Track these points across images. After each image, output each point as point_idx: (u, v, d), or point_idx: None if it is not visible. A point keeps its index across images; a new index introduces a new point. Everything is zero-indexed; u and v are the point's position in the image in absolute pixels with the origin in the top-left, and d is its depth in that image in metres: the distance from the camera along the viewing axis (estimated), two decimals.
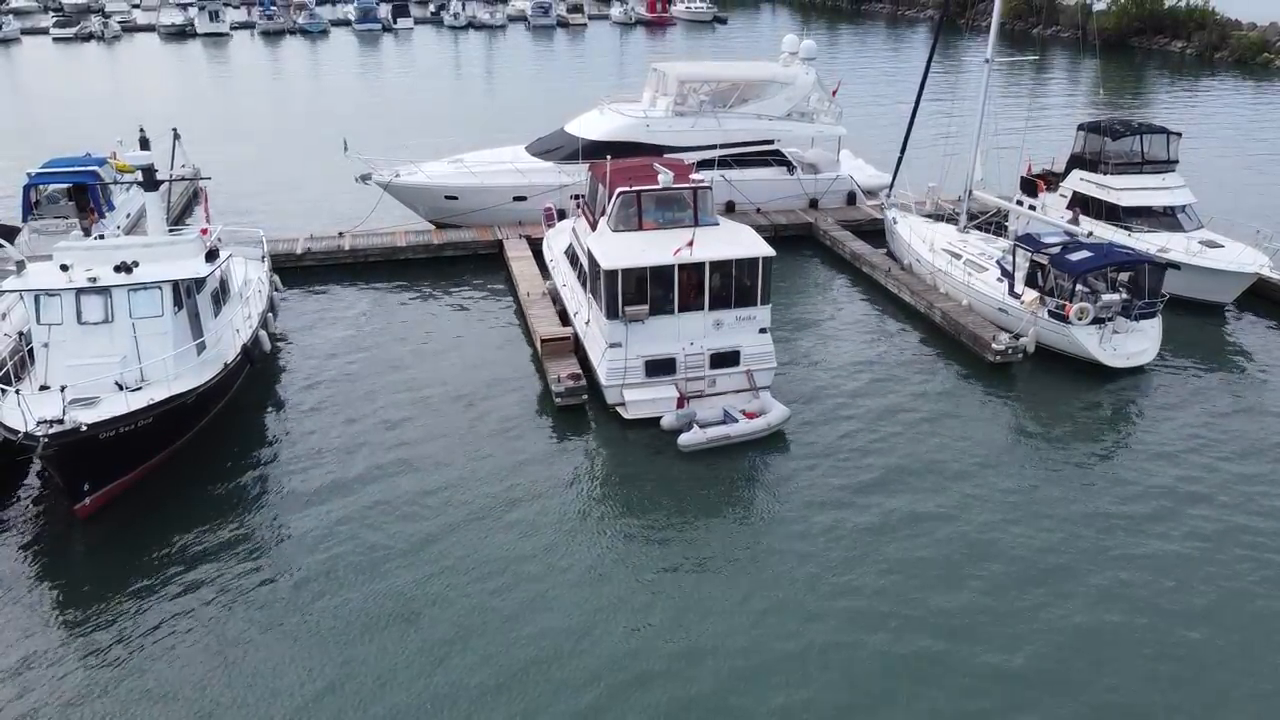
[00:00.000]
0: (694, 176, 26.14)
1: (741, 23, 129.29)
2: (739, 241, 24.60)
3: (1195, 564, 19.02)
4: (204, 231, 25.37)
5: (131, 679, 15.92)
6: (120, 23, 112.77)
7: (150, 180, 25.02)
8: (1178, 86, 76.45)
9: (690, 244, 23.50)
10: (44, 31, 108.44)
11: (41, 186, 33.95)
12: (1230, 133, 58.49)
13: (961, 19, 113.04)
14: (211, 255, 23.42)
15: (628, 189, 25.06)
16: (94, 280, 21.31)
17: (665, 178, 25.17)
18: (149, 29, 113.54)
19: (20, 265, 23.02)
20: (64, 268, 21.56)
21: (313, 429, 23.61)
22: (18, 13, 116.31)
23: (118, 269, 21.58)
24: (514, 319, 30.40)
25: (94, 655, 16.41)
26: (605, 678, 16.02)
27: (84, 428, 18.80)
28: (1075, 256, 27.31)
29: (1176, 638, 17.12)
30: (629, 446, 23.16)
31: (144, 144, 25.24)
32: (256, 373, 25.70)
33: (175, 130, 29.02)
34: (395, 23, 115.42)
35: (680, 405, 23.80)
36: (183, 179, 27.17)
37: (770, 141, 39.43)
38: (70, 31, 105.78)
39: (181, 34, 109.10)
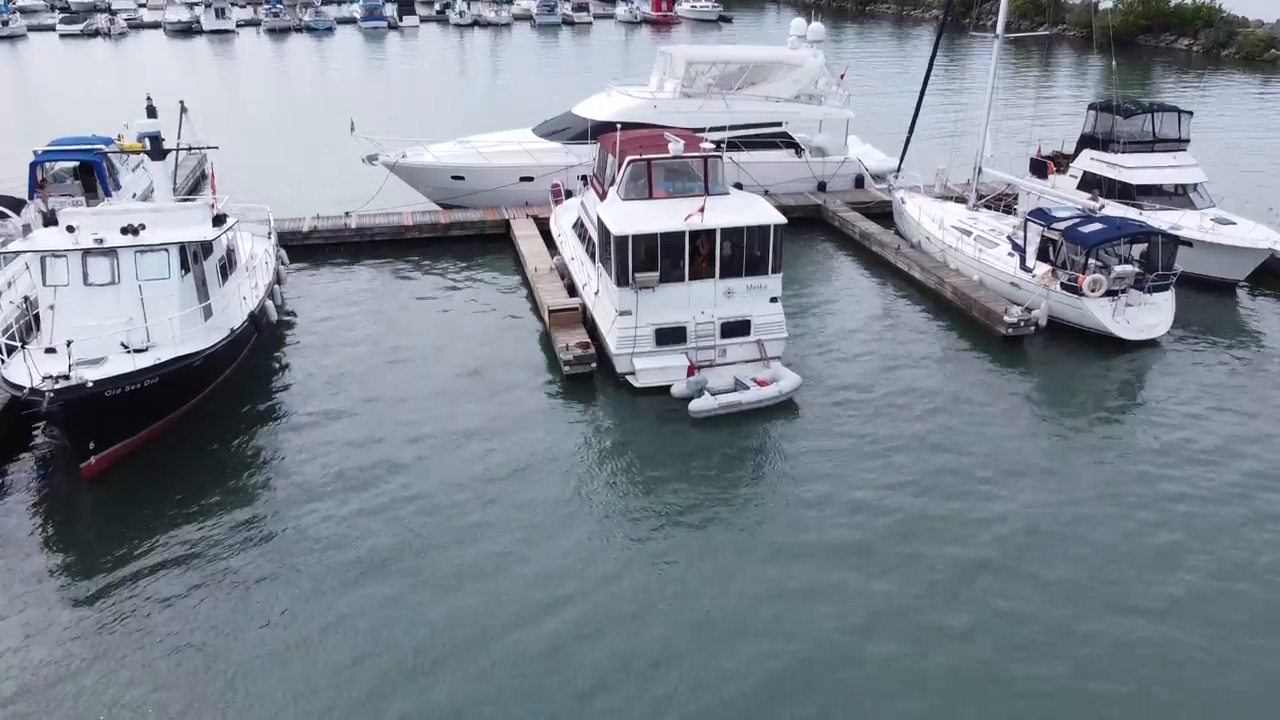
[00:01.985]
0: (704, 146, 25.92)
1: (746, 22, 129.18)
2: (750, 209, 24.39)
3: (1213, 534, 18.68)
4: (211, 207, 25.24)
5: (133, 638, 15.69)
6: (126, 20, 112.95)
7: (157, 149, 24.92)
8: (1185, 82, 76.21)
9: (701, 210, 23.30)
10: (50, 29, 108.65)
11: (48, 165, 33.81)
12: (1239, 124, 58.17)
13: (966, 18, 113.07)
14: (218, 220, 23.24)
15: (638, 157, 24.86)
16: (100, 241, 21.15)
17: (676, 146, 24.98)
18: (155, 26, 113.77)
19: (26, 229, 22.88)
20: (70, 229, 21.39)
21: (319, 398, 23.40)
22: (24, 11, 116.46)
23: (124, 231, 21.42)
24: (522, 294, 30.22)
25: (97, 615, 16.18)
26: (612, 646, 15.73)
27: (90, 384, 18.62)
28: (1088, 229, 27.08)
29: (1192, 606, 16.84)
30: (639, 415, 22.94)
31: (151, 112, 25.09)
32: (264, 344, 25.56)
33: (182, 103, 28.84)
34: (401, 21, 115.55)
35: (691, 374, 23.58)
36: (189, 148, 26.92)
37: (778, 124, 39.23)
38: (76, 28, 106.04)
39: (188, 31, 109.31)
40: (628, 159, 24.89)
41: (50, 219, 23.44)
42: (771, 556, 17.77)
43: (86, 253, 21.08)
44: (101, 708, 14.27)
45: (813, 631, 15.91)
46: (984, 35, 33.85)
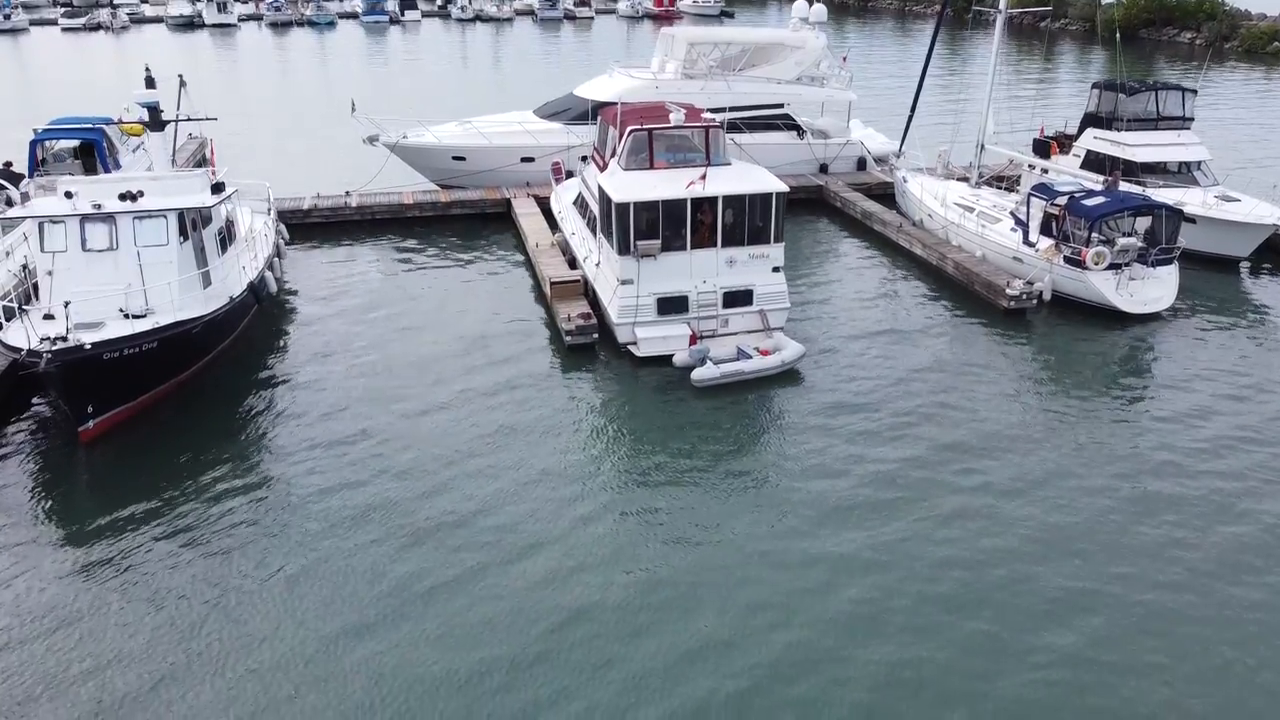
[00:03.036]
0: (705, 116, 25.80)
1: (748, 17, 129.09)
2: (752, 178, 24.28)
3: (1215, 511, 18.44)
4: (211, 174, 25.16)
5: (128, 596, 15.55)
6: (129, 14, 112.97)
7: (156, 120, 24.84)
8: (1188, 74, 75.97)
9: (703, 178, 23.18)
10: (52, 23, 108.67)
11: (49, 143, 33.71)
12: (1243, 116, 58.09)
13: (968, 13, 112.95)
14: (217, 189, 23.13)
15: (639, 128, 24.75)
16: (99, 207, 21.05)
17: (677, 117, 24.87)
18: (157, 21, 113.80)
19: (25, 197, 22.78)
20: (68, 195, 21.30)
21: (320, 370, 23.28)
22: (27, 5, 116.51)
23: (123, 197, 21.33)
24: (523, 270, 30.11)
25: (92, 580, 15.93)
26: (615, 618, 15.56)
27: (88, 346, 18.51)
28: (1091, 202, 26.96)
29: (1195, 583, 16.64)
30: (640, 384, 22.82)
31: (149, 83, 24.94)
32: (264, 317, 25.47)
33: (181, 76, 28.75)
34: (403, 15, 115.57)
35: (693, 343, 23.45)
36: (188, 118, 26.83)
37: (780, 106, 39.11)
38: (79, 22, 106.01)
39: (190, 25, 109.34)
40: (629, 129, 24.78)
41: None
42: (774, 526, 17.62)
43: (85, 218, 20.98)
44: (99, 666, 14.13)
45: (816, 604, 15.67)
46: (987, 11, 33.70)
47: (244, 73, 74.67)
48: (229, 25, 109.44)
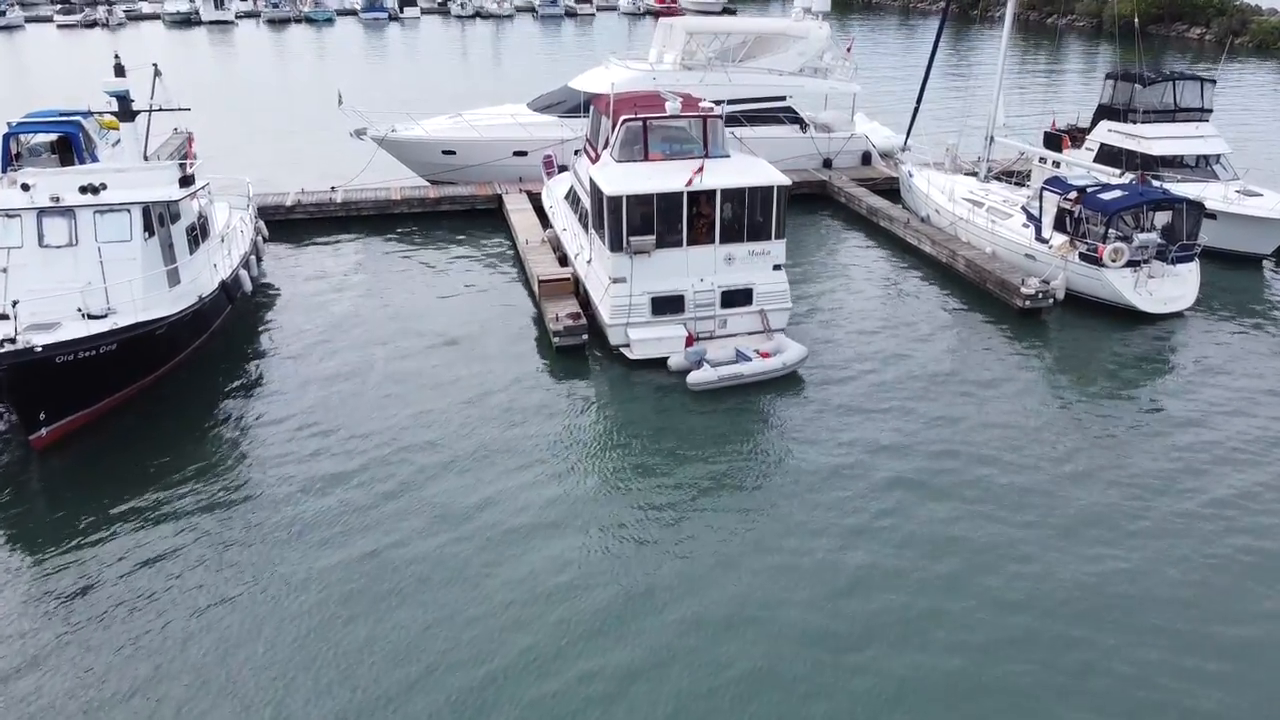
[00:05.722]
0: (703, 105, 24.53)
1: (750, 11, 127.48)
2: (752, 170, 23.01)
3: (1240, 517, 17.24)
4: (183, 167, 23.90)
5: (78, 626, 14.35)
6: (125, 11, 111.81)
7: (125, 110, 23.60)
8: (1197, 70, 74.55)
9: (700, 171, 21.91)
10: (48, 19, 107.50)
11: (24, 137, 32.53)
12: (1258, 108, 56.73)
13: (974, 9, 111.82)
14: (186, 182, 21.90)
15: (633, 118, 23.48)
16: (57, 200, 19.85)
17: (673, 106, 23.61)
18: (154, 18, 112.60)
19: None
20: (25, 187, 20.09)
21: (294, 374, 22.04)
22: (23, 3, 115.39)
23: (83, 190, 20.13)
24: (513, 269, 28.85)
25: (43, 600, 14.81)
26: (601, 640, 14.42)
27: (38, 349, 17.30)
28: (1108, 196, 25.67)
29: (1211, 589, 15.48)
30: (633, 388, 21.56)
31: (119, 71, 23.68)
32: (239, 317, 24.26)
33: (155, 65, 27.51)
34: (402, 12, 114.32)
35: (689, 345, 22.18)
36: (160, 109, 25.57)
37: (782, 98, 37.80)
38: (74, 19, 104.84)
39: (186, 22, 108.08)
40: (622, 119, 23.52)
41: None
42: (773, 538, 16.38)
43: (42, 212, 19.81)
44: (55, 688, 12.93)
45: (814, 618, 14.52)
46: (989, 28, 32.38)
47: (237, 68, 73.51)
48: (226, 22, 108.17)
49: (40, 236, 19.73)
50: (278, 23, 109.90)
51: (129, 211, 20.21)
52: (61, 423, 18.56)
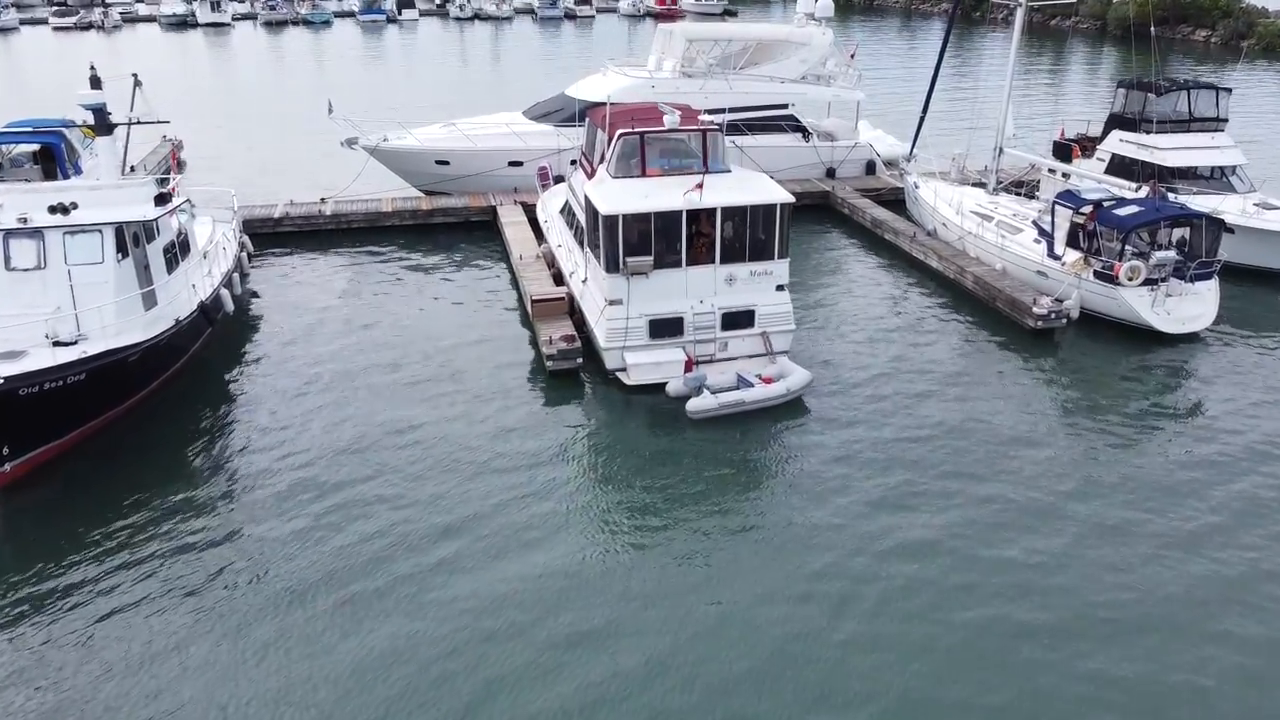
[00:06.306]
0: (702, 119, 23.59)
1: (751, 16, 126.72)
2: (754, 187, 22.06)
3: (1261, 551, 16.36)
4: (165, 184, 22.98)
5: (45, 671, 13.43)
6: (121, 13, 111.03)
7: (103, 123, 22.65)
8: (1201, 74, 73.68)
9: (699, 187, 20.95)
10: (43, 22, 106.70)
11: (5, 148, 31.60)
12: (1269, 113, 55.76)
13: (977, 12, 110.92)
14: (162, 200, 20.96)
15: (629, 131, 22.55)
16: (25, 221, 18.91)
17: (671, 119, 22.65)
18: (150, 20, 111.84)
19: None
20: None
21: (281, 397, 21.11)
22: (19, 4, 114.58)
23: (53, 209, 19.19)
24: (507, 286, 27.90)
25: (4, 644, 13.93)
26: (597, 669, 13.51)
27: (0, 381, 16.35)
28: (1123, 211, 24.71)
29: (1221, 617, 14.57)
30: (630, 415, 20.62)
31: (95, 83, 22.70)
32: (221, 338, 23.33)
33: (135, 75, 26.64)
34: (400, 14, 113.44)
35: (688, 370, 21.25)
36: (140, 121, 24.62)
37: (784, 106, 36.88)
38: (70, 21, 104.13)
39: (183, 24, 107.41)
40: (619, 133, 22.58)
41: None
42: (775, 573, 15.45)
43: (9, 233, 18.86)
44: None
45: (818, 658, 13.61)
46: (1006, 3, 31.43)
47: (230, 72, 72.61)
48: (223, 24, 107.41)
49: (7, 259, 18.79)
50: (274, 25, 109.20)
51: (100, 232, 19.27)
52: (26, 458, 17.60)
